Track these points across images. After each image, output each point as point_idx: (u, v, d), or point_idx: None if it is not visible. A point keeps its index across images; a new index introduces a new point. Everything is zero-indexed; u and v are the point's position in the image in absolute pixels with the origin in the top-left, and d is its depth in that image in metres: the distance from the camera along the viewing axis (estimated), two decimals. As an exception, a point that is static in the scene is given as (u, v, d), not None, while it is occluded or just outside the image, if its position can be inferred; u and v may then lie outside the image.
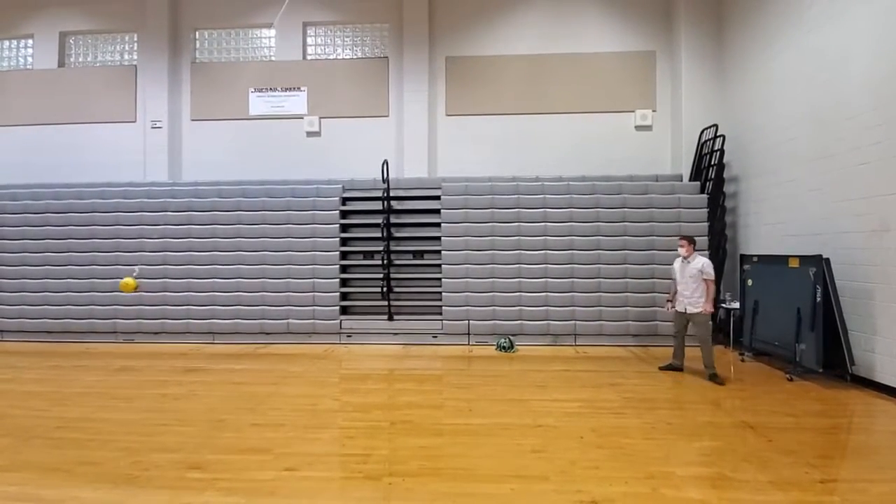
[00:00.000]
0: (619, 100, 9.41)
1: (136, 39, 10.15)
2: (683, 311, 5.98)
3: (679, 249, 6.06)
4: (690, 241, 6.02)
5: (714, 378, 5.69)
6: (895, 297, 5.21)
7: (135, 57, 10.15)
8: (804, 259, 6.01)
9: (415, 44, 9.55)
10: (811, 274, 5.78)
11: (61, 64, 10.24)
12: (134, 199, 8.68)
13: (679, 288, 6.03)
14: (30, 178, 9.38)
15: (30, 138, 10.01)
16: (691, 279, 5.89)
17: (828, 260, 5.73)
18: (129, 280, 6.79)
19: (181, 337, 8.33)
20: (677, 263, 6.13)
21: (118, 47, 10.29)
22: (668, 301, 6.34)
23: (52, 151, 9.93)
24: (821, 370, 5.62)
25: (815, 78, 6.44)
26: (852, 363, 5.56)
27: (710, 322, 6.01)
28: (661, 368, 6.23)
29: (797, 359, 5.91)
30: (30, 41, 10.34)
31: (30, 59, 10.35)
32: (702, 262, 5.90)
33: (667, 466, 3.48)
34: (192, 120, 9.97)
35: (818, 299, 5.67)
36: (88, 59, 10.34)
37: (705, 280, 5.84)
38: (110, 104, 9.98)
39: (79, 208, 8.70)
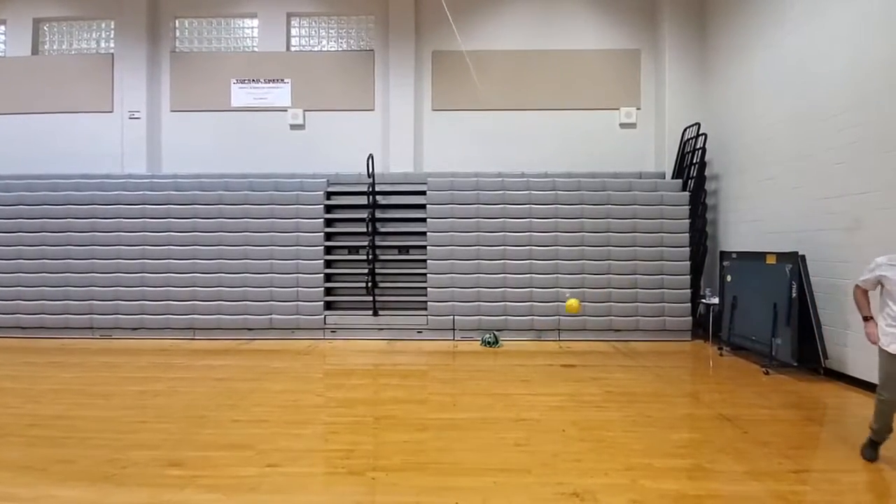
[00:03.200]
0: (604, 97, 9.48)
1: (113, 27, 9.86)
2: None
3: None
4: None
5: (873, 450, 3.52)
6: (867, 293, 5.35)
7: (112, 45, 9.87)
8: (781, 256, 6.16)
9: (401, 37, 9.47)
10: (787, 270, 5.93)
11: (35, 51, 9.90)
12: (111, 192, 8.47)
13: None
14: (1, 169, 9.09)
15: (1, 128, 9.67)
16: None
17: (803, 257, 5.88)
18: (573, 302, 6.62)
19: (160, 332, 8.18)
20: (889, 268, 3.38)
21: (94, 35, 9.99)
22: (869, 319, 3.59)
23: (26, 141, 9.61)
24: (796, 364, 5.78)
25: (794, 79, 6.57)
26: (825, 357, 5.71)
27: None
28: (867, 457, 3.53)
29: (773, 353, 6.07)
30: (2, 27, 9.97)
31: (2, 46, 9.99)
32: None
33: (646, 458, 3.54)
34: (172, 111, 9.74)
35: (794, 295, 5.82)
36: (63, 46, 10.02)
37: None
38: (86, 93, 9.69)
39: (53, 200, 8.45)
